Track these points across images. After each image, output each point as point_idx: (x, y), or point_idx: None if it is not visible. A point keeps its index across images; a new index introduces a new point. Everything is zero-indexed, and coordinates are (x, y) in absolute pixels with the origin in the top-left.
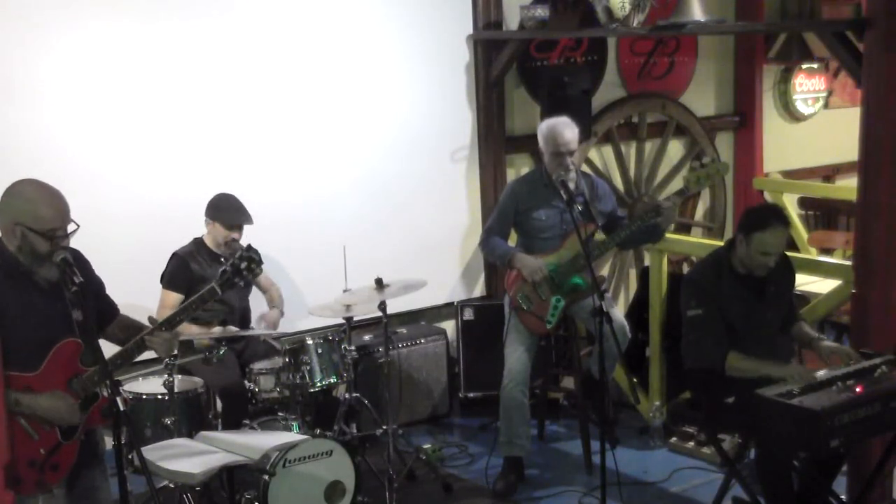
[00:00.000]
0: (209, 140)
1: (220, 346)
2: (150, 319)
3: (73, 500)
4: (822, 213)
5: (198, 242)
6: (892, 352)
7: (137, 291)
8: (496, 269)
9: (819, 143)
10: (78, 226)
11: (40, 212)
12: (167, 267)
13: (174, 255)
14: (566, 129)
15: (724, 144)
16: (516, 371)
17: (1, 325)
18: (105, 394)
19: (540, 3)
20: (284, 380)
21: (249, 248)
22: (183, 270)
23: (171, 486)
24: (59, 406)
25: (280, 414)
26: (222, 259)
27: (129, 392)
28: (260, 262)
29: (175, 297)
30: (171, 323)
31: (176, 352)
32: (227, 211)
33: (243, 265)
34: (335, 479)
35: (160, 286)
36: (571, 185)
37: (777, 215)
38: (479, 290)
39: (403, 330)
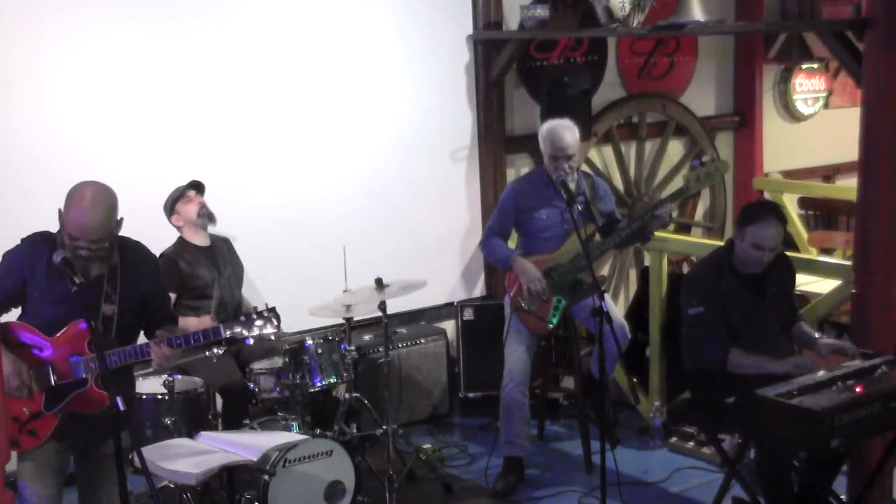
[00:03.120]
0: (209, 139)
1: (219, 344)
2: (158, 333)
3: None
4: (822, 213)
5: (182, 242)
6: (893, 352)
7: None
8: (496, 270)
9: (819, 143)
10: (113, 247)
11: (71, 217)
12: None
13: (162, 255)
14: (566, 132)
15: (724, 144)
16: (516, 371)
17: (26, 292)
18: (92, 383)
19: (540, 3)
20: (284, 380)
21: (273, 310)
22: (172, 269)
23: (171, 486)
24: (8, 370)
25: (280, 414)
26: (214, 252)
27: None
28: (276, 327)
29: None
30: (170, 343)
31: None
32: (174, 192)
33: (258, 322)
34: (335, 479)
35: None
36: (572, 185)
37: (772, 209)
38: (479, 290)
39: (403, 330)
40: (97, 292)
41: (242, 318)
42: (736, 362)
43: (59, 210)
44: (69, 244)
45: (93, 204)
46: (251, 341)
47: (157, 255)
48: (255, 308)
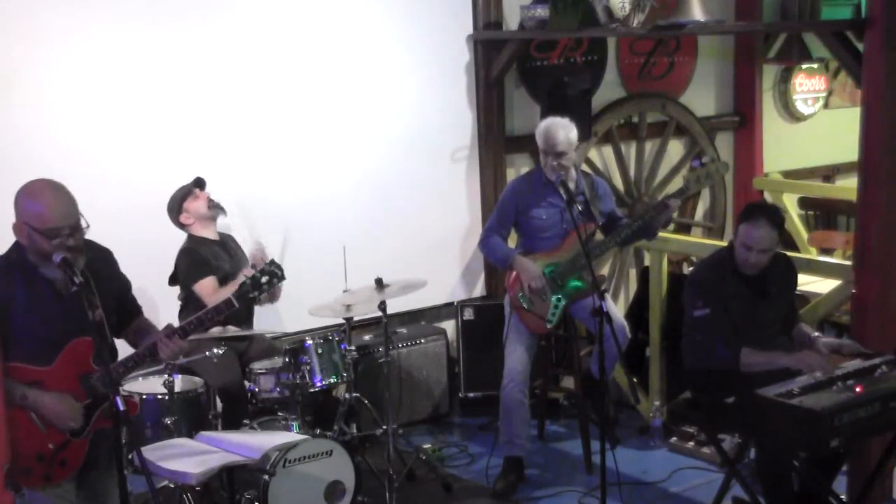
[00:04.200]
0: (210, 140)
1: (219, 344)
2: (168, 326)
3: (82, 500)
4: (822, 213)
5: (194, 237)
6: (893, 352)
7: (138, 286)
8: (496, 269)
9: (819, 143)
10: (88, 225)
11: (43, 212)
12: (181, 265)
13: (181, 250)
14: (560, 130)
15: (724, 144)
16: (516, 371)
17: (9, 320)
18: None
19: (540, 3)
20: (284, 380)
21: (273, 262)
22: (199, 257)
23: (171, 486)
24: (61, 409)
25: (280, 414)
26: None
27: (129, 392)
28: (282, 278)
29: (210, 281)
30: (184, 331)
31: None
32: (179, 191)
33: (264, 279)
34: (335, 479)
35: (164, 285)
36: (571, 185)
37: (766, 212)
38: (479, 290)
39: (403, 330)
40: (80, 299)
41: (246, 280)
42: (747, 361)
43: (15, 225)
44: (54, 244)
45: (54, 192)
46: (266, 294)
47: (176, 254)
48: (254, 267)
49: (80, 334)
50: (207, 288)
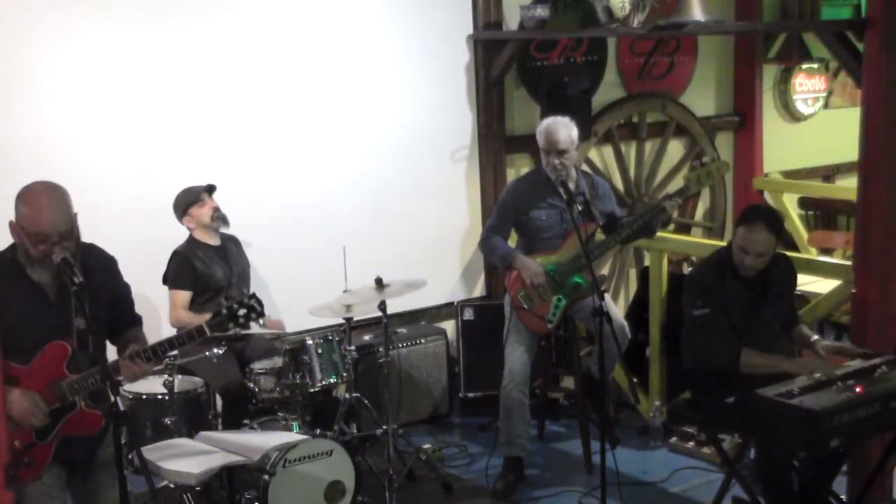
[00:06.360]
0: (209, 139)
1: (219, 344)
2: (132, 349)
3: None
4: (822, 213)
5: (194, 241)
6: (893, 352)
7: (137, 288)
8: (496, 269)
9: (819, 143)
10: (78, 242)
11: (32, 215)
12: (169, 266)
13: (175, 252)
14: (562, 128)
15: (724, 144)
16: (516, 371)
17: (2, 321)
18: (82, 405)
19: (540, 3)
20: (284, 380)
21: (254, 296)
22: (187, 267)
23: (171, 486)
24: (25, 406)
25: (280, 414)
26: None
27: (129, 392)
28: (261, 314)
29: (185, 295)
30: (155, 352)
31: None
32: (188, 195)
33: (241, 312)
34: (335, 479)
35: (165, 287)
36: (571, 185)
37: (765, 216)
38: (479, 290)
39: (403, 330)
40: (67, 305)
41: (224, 311)
42: (748, 362)
43: (11, 222)
44: (39, 249)
45: (49, 197)
46: (239, 331)
47: (170, 254)
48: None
49: (67, 339)
50: (179, 300)
